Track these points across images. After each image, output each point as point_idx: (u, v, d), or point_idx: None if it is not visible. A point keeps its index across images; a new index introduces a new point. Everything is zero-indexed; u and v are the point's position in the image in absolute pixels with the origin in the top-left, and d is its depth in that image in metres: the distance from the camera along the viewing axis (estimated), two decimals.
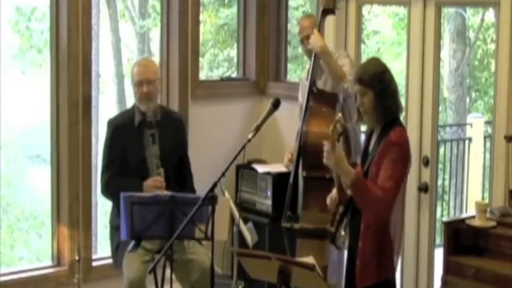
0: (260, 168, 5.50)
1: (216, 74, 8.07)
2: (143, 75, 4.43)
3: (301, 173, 4.67)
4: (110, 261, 4.67)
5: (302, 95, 4.91)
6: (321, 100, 4.76)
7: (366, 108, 3.61)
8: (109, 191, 4.45)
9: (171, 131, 4.53)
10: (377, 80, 3.57)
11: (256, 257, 3.47)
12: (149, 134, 4.40)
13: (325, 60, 4.67)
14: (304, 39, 4.83)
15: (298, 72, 5.80)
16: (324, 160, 3.55)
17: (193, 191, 4.55)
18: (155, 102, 4.51)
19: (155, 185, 4.30)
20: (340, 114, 3.66)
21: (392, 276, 3.69)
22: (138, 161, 4.41)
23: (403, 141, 3.59)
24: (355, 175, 3.53)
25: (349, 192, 3.62)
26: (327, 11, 4.76)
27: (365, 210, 3.58)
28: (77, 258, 4.32)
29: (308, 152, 4.63)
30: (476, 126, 7.79)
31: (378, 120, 3.62)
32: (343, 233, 3.70)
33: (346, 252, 3.84)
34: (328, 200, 3.80)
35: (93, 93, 5.57)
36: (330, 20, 4.93)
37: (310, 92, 4.74)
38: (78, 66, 4.98)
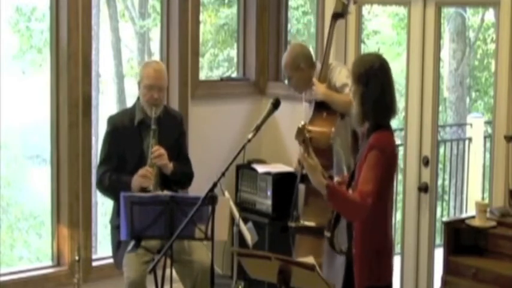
0: (260, 168, 5.50)
1: (216, 74, 8.07)
2: (156, 81, 4.44)
3: (301, 170, 4.65)
4: (110, 261, 4.68)
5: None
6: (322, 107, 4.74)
7: (355, 101, 3.51)
8: (102, 184, 4.45)
9: (171, 128, 4.55)
10: (366, 78, 3.45)
11: (256, 257, 3.46)
12: (150, 130, 4.40)
13: (329, 102, 4.59)
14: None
15: None
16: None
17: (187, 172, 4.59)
18: (161, 107, 4.52)
19: (143, 174, 4.30)
20: (303, 122, 3.51)
21: (390, 280, 3.68)
22: (136, 160, 4.42)
23: (385, 145, 3.45)
24: (327, 185, 3.38)
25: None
26: (337, 15, 4.71)
27: (346, 217, 3.53)
28: (77, 258, 4.32)
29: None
30: (476, 126, 7.77)
31: (363, 117, 3.50)
32: (339, 237, 3.68)
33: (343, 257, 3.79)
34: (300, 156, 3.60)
35: (93, 93, 5.57)
36: (329, 20, 4.92)
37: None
38: (78, 66, 4.98)
